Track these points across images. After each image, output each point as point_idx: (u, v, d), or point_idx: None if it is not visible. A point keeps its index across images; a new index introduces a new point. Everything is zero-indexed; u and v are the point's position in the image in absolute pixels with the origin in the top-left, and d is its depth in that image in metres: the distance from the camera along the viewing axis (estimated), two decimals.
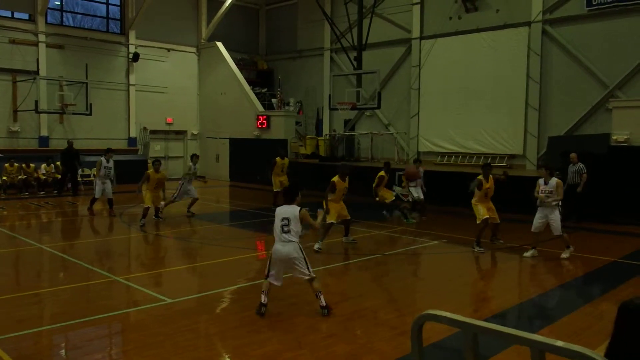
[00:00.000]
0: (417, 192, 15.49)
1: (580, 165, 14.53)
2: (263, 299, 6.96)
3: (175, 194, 15.51)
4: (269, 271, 7.07)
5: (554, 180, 10.42)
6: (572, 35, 19.10)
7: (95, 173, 17.08)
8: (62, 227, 14.87)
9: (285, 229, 6.96)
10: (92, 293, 8.13)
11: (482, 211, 11.21)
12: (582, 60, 18.78)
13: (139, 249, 12.16)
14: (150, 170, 14.34)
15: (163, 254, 11.56)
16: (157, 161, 14.71)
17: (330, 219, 11.04)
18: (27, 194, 19.98)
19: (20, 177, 20.24)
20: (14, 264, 10.42)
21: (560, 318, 7.12)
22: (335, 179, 11.19)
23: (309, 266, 7.05)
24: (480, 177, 11.31)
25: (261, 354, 5.71)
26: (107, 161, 15.68)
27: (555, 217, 10.41)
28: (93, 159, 22.83)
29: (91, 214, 15.64)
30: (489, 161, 20.36)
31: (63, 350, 6.06)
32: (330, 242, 11.36)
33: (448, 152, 22.25)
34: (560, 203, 10.46)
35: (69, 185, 20.87)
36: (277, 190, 16.72)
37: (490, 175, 11.42)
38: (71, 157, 20.60)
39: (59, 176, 20.96)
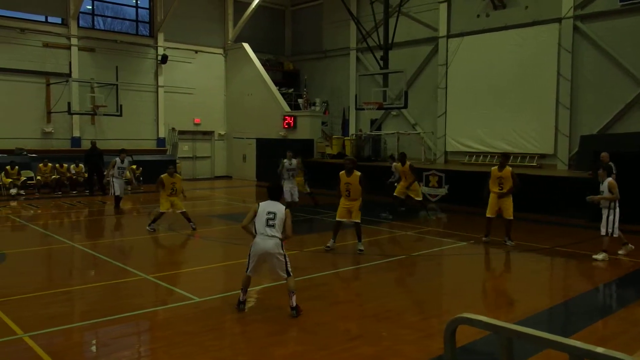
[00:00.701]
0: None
1: (611, 164, 14.20)
2: (242, 296, 7.07)
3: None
4: (248, 265, 7.07)
5: (606, 182, 10.30)
6: (604, 31, 18.70)
7: (107, 172, 17.37)
8: (93, 225, 15.13)
9: (271, 222, 6.92)
10: (121, 291, 8.25)
11: (488, 207, 11.68)
12: (614, 56, 18.38)
13: (167, 247, 12.28)
14: (164, 175, 13.19)
15: (190, 253, 11.65)
16: (172, 165, 13.84)
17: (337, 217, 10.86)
18: (59, 193, 20.38)
19: (53, 176, 20.67)
20: (46, 262, 10.65)
21: (594, 322, 6.95)
22: (341, 173, 10.83)
23: (288, 266, 6.97)
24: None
25: (285, 355, 5.71)
26: (122, 162, 16.16)
27: (603, 218, 10.34)
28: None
29: (119, 213, 16.09)
30: (518, 161, 20.25)
31: (94, 347, 6.15)
32: (355, 243, 11.30)
33: (476, 151, 22.00)
34: (611, 204, 10.23)
35: (97, 186, 21.20)
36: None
37: (508, 167, 11.58)
38: (94, 157, 20.93)
39: (87, 176, 21.33)
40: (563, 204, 15.20)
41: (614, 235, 10.32)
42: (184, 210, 13.41)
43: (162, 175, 13.26)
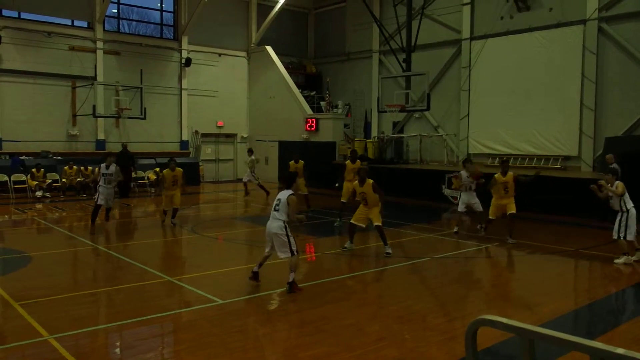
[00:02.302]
0: (471, 198, 13.19)
1: (614, 166, 14.05)
2: (255, 267, 8.47)
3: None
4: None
5: (616, 184, 10.06)
6: (629, 33, 18.45)
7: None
8: (117, 228, 15.31)
9: (277, 207, 8.15)
10: (146, 293, 8.34)
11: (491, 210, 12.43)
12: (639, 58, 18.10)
13: (190, 250, 12.40)
14: (166, 170, 14.30)
15: (213, 255, 11.74)
16: (172, 160, 14.63)
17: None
18: (84, 195, 20.67)
19: (78, 179, 20.98)
20: (72, 264, 10.82)
21: (618, 325, 6.86)
22: (355, 183, 11.15)
23: (293, 246, 8.01)
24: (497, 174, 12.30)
25: (310, 356, 5.72)
26: (107, 167, 13.85)
27: (616, 221, 10.09)
28: (146, 162, 23.60)
29: (92, 232, 13.40)
30: (541, 163, 20.05)
31: (119, 349, 6.24)
32: (378, 245, 11.30)
33: (499, 153, 21.79)
34: (622, 206, 9.96)
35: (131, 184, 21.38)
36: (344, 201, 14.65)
37: (510, 172, 12.24)
38: (126, 159, 21.15)
39: None
40: (587, 206, 14.99)
41: (628, 239, 9.97)
42: (178, 207, 14.40)
43: (163, 171, 14.45)
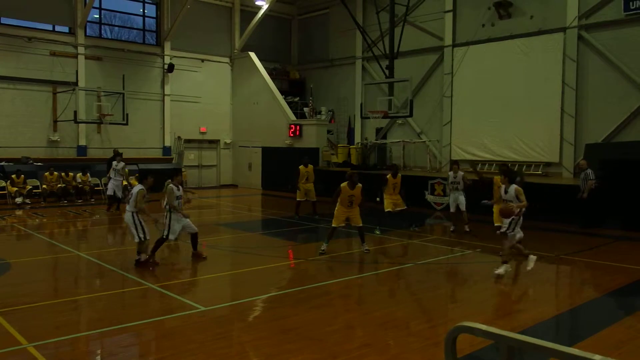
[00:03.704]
0: (458, 196, 14.32)
1: (588, 171, 14.34)
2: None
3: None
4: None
5: (512, 188, 9.31)
6: (609, 41, 18.74)
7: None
8: (98, 234, 15.17)
9: (128, 200, 10.06)
10: (127, 300, 8.27)
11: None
12: (619, 65, 18.40)
13: (173, 256, 12.30)
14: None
15: (196, 262, 11.65)
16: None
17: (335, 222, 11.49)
18: (65, 202, 20.45)
19: (59, 185, 20.75)
20: (52, 271, 10.67)
21: (600, 331, 6.93)
22: (343, 185, 11.35)
23: (139, 232, 9.89)
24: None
25: None
26: (117, 164, 18.05)
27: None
28: (129, 167, 23.37)
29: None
30: (523, 169, 20.26)
31: (100, 357, 6.17)
32: (361, 252, 11.34)
33: (482, 159, 21.99)
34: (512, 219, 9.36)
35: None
36: (300, 199, 16.69)
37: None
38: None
39: (89, 186, 21.47)
40: (568, 212, 15.19)
41: (510, 236, 9.42)
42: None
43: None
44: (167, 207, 10.45)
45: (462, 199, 14.19)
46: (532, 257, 9.58)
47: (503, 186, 9.50)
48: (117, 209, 17.80)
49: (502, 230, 9.64)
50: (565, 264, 11.02)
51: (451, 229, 14.47)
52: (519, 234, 9.87)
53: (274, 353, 5.98)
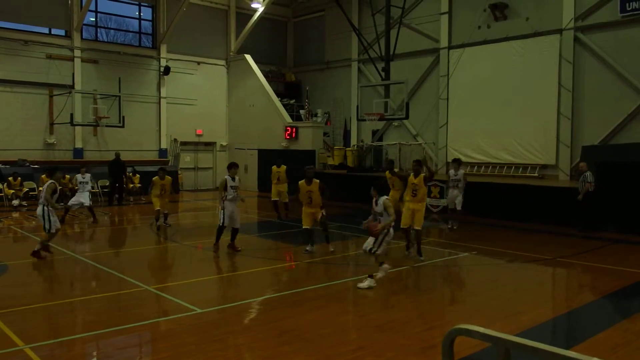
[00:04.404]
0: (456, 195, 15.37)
1: (587, 173, 14.31)
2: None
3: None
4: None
5: (381, 200, 8.95)
6: (605, 42, 18.76)
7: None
8: (95, 236, 15.12)
9: (40, 195, 11.09)
10: (123, 302, 8.24)
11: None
12: (616, 67, 18.42)
13: (169, 258, 12.29)
14: (156, 177, 14.96)
15: (192, 264, 11.64)
16: (161, 169, 15.33)
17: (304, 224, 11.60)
18: (62, 204, 20.32)
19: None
20: (48, 273, 10.62)
21: (597, 334, 6.92)
22: (301, 182, 11.50)
23: (46, 224, 10.65)
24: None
25: None
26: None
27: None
28: (128, 168, 23.40)
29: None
30: (519, 171, 20.29)
31: (96, 358, 6.14)
32: (358, 253, 11.32)
33: (478, 162, 22.00)
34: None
35: (117, 195, 21.30)
36: (275, 199, 17.03)
37: (422, 173, 11.42)
38: (119, 168, 21.04)
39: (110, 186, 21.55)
40: (565, 215, 15.22)
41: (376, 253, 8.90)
42: (167, 211, 15.35)
43: (154, 178, 15.02)
44: (221, 200, 11.51)
45: (460, 198, 15.06)
46: (386, 267, 8.98)
47: (374, 198, 9.03)
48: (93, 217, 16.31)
49: (368, 248, 9.02)
50: (562, 267, 11.02)
51: (449, 227, 15.15)
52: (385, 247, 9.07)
53: (269, 355, 5.96)
